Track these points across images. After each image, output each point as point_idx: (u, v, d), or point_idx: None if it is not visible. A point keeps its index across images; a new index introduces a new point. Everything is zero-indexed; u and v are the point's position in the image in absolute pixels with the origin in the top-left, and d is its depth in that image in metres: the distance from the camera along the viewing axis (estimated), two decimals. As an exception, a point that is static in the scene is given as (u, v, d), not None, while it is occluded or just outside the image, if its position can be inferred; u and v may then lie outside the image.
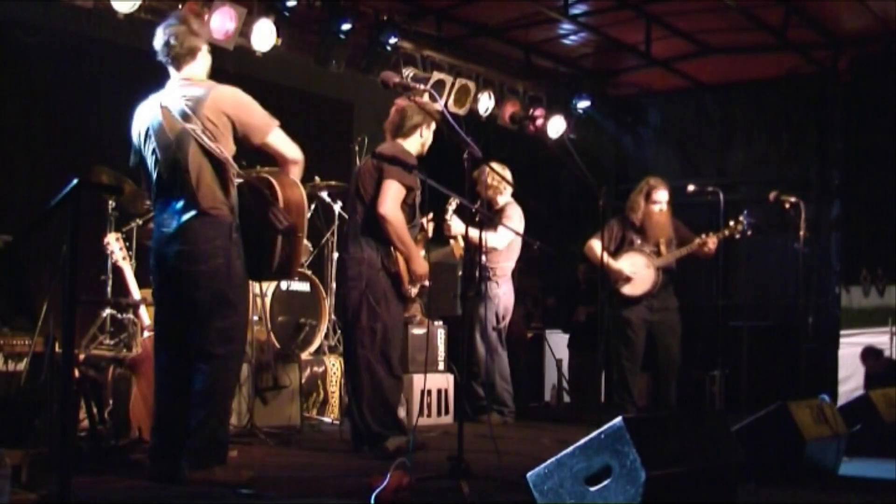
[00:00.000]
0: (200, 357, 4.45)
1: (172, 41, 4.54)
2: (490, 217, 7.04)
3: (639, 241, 7.32)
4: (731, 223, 7.29)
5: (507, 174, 7.23)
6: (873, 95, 8.96)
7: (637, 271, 7.26)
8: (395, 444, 5.37)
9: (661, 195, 7.33)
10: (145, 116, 4.57)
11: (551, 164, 10.26)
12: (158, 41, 4.58)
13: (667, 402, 7.30)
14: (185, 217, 4.42)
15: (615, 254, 7.32)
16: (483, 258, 6.99)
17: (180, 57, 4.55)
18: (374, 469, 4.36)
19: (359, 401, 5.50)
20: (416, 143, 5.65)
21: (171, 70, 4.61)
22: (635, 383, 7.35)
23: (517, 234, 7.00)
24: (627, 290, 7.27)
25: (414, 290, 5.58)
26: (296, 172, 4.61)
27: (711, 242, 7.23)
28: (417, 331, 7.19)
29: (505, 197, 7.41)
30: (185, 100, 4.46)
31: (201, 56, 4.61)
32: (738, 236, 7.37)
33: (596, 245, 7.12)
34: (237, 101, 4.51)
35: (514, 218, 7.30)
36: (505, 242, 7.24)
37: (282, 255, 4.51)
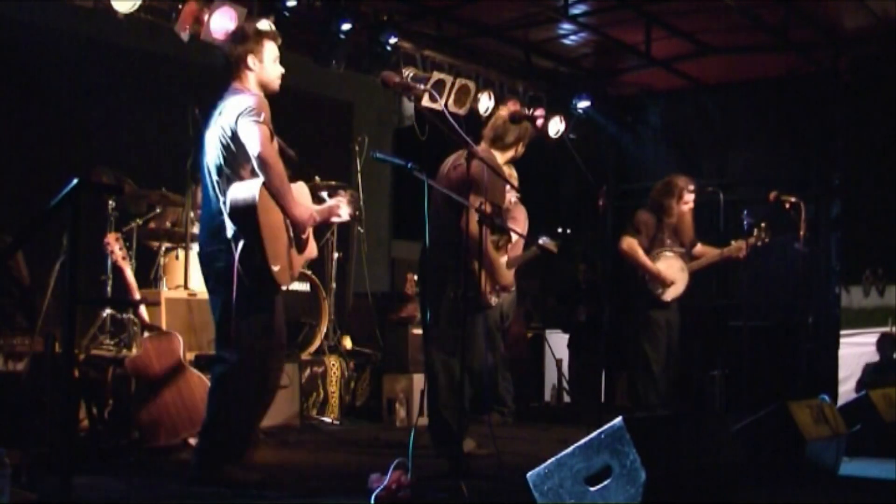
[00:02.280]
0: (215, 359, 4.59)
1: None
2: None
3: (669, 241, 7.29)
4: (756, 232, 7.29)
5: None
6: (873, 95, 8.95)
7: (674, 275, 7.23)
8: (468, 447, 5.41)
9: (691, 196, 7.33)
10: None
11: (551, 164, 10.25)
12: None
13: (667, 400, 7.29)
14: (203, 223, 4.64)
15: (647, 252, 7.28)
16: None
17: (228, 69, 4.65)
18: (374, 469, 4.36)
19: (436, 402, 5.50)
20: (509, 156, 5.87)
21: None
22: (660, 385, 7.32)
23: (520, 235, 6.97)
24: (664, 293, 7.22)
25: (495, 299, 5.59)
26: (264, 174, 4.39)
27: (744, 246, 7.28)
28: (417, 331, 7.18)
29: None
30: (217, 118, 4.55)
31: (249, 65, 4.62)
32: (759, 244, 7.37)
33: (633, 244, 7.12)
34: (236, 122, 4.49)
35: (520, 219, 7.28)
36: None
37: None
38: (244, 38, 4.67)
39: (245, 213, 4.36)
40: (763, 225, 7.30)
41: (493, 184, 5.42)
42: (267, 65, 4.65)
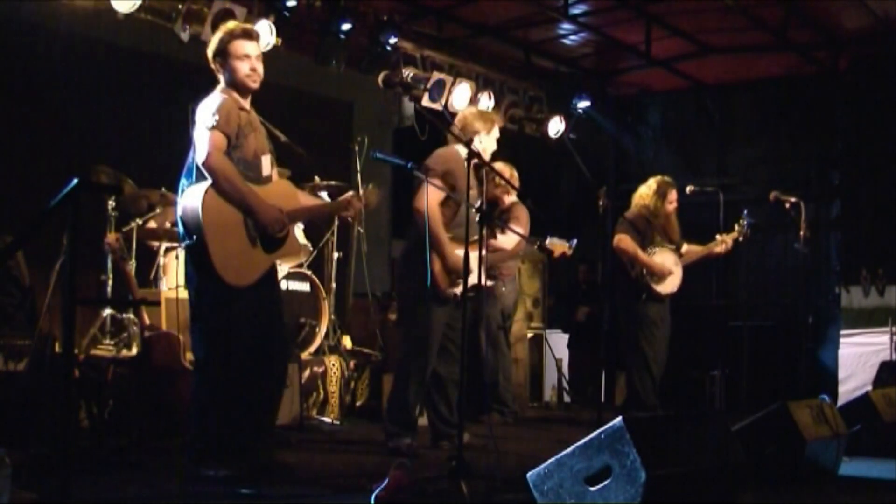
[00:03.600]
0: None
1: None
2: (491, 216, 7.03)
3: (659, 239, 7.33)
4: (737, 226, 7.35)
5: (515, 174, 7.23)
6: (873, 95, 8.95)
7: (671, 267, 7.27)
8: (396, 444, 5.45)
9: (674, 194, 7.39)
10: None
11: (551, 164, 10.25)
12: None
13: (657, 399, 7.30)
14: None
15: (642, 249, 7.31)
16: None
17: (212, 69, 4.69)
18: (374, 469, 4.36)
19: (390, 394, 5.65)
20: (485, 145, 5.82)
21: None
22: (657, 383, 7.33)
23: (522, 236, 6.97)
24: (661, 287, 7.24)
25: (456, 290, 5.51)
26: (212, 181, 4.42)
27: (729, 241, 7.34)
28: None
29: (512, 196, 7.38)
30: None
31: (216, 65, 4.65)
32: (741, 238, 7.41)
33: (629, 240, 7.15)
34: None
35: (522, 218, 7.27)
36: (513, 243, 7.21)
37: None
38: (216, 41, 4.67)
39: (190, 216, 4.42)
40: (744, 222, 7.36)
41: (462, 172, 5.29)
42: (233, 63, 4.59)
